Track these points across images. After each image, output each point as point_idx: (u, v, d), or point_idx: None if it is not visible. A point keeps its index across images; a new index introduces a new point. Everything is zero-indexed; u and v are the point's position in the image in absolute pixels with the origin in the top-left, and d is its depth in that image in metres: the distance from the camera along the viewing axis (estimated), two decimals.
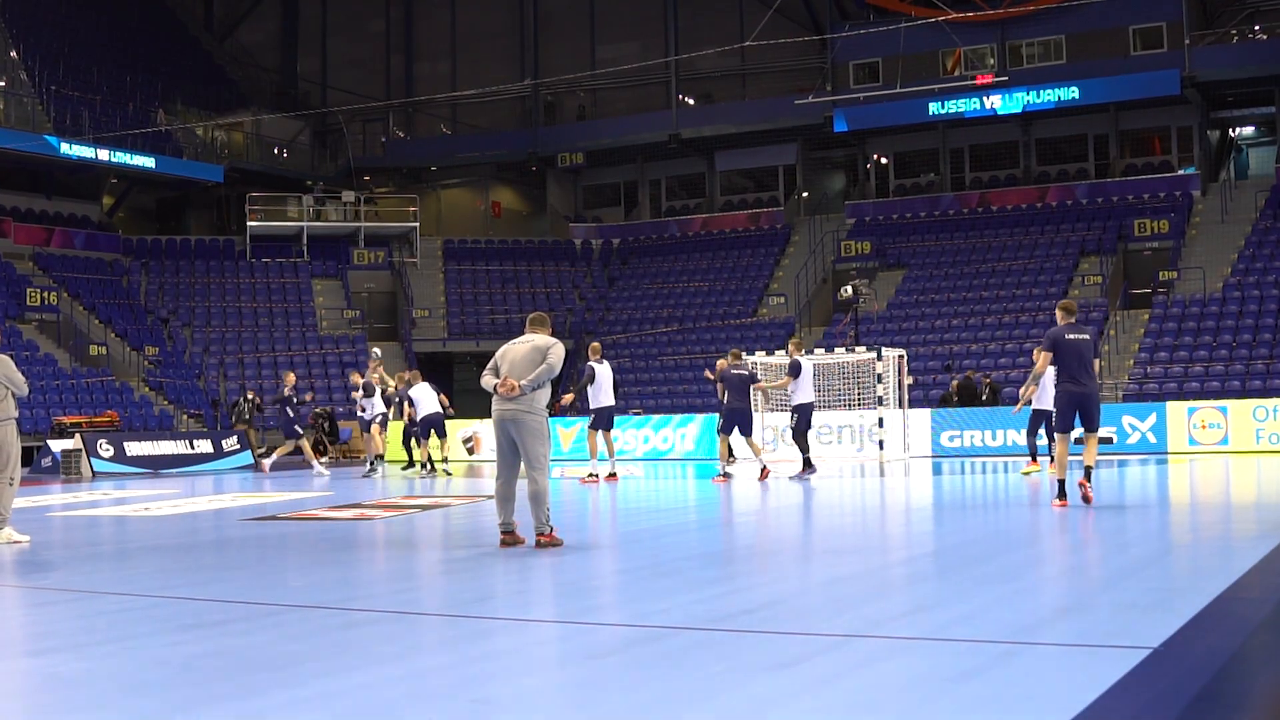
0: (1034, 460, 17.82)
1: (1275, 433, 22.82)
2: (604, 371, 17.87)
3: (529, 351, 9.06)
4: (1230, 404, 23.75)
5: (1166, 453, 23.12)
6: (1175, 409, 23.76)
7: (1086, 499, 11.28)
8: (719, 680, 4.69)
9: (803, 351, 18.30)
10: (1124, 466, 19.19)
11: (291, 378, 23.07)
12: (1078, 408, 11.32)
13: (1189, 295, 31.06)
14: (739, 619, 6.06)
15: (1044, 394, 17.56)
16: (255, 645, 5.57)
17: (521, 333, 9.54)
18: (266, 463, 23.05)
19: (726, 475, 17.66)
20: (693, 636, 5.59)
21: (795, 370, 17.41)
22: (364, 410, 22.20)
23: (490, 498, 9.70)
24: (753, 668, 4.90)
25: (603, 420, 17.71)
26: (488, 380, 9.07)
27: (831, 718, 4.18)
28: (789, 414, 17.77)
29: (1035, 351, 11.74)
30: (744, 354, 20.56)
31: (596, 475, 17.55)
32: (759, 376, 20.23)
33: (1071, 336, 11.36)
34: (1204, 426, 23.32)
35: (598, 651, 5.24)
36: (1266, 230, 33.10)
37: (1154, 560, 8.08)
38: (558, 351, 9.12)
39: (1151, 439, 23.61)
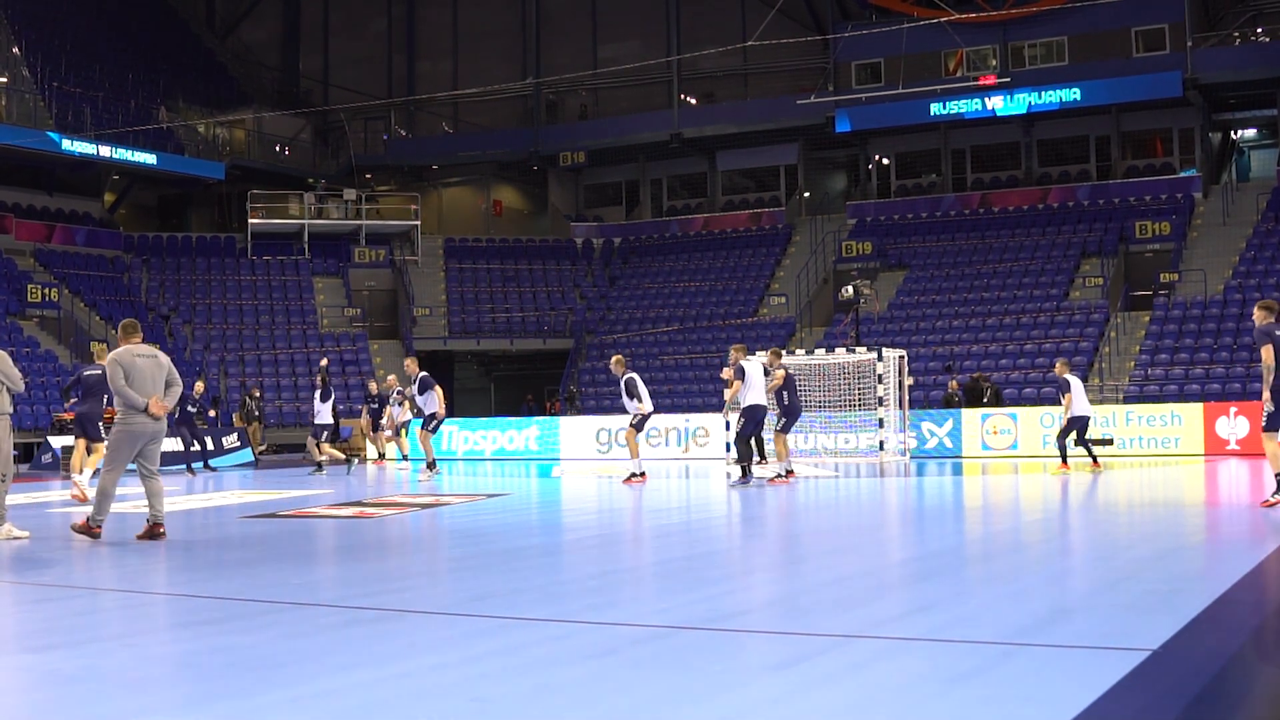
0: (1064, 463, 18.01)
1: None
2: (754, 370, 16.89)
3: (158, 368, 9.72)
4: (1020, 410, 24.92)
5: (961, 456, 24.01)
6: (970, 415, 24.89)
7: None
8: (719, 680, 4.69)
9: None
10: (922, 474, 19.18)
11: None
12: None
13: (1190, 297, 31.04)
14: (739, 619, 6.05)
15: (1076, 401, 17.74)
16: (255, 643, 5.56)
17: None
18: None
19: (790, 472, 17.03)
20: (693, 636, 5.58)
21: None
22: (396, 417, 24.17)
23: (491, 496, 9.67)
24: (753, 668, 4.89)
25: (753, 421, 16.74)
26: (135, 397, 9.51)
27: (831, 718, 4.18)
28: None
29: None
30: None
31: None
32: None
33: None
34: (995, 432, 24.45)
35: (598, 651, 5.24)
36: (1268, 233, 33.08)
37: (1153, 561, 8.07)
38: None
39: (948, 443, 24.62)
